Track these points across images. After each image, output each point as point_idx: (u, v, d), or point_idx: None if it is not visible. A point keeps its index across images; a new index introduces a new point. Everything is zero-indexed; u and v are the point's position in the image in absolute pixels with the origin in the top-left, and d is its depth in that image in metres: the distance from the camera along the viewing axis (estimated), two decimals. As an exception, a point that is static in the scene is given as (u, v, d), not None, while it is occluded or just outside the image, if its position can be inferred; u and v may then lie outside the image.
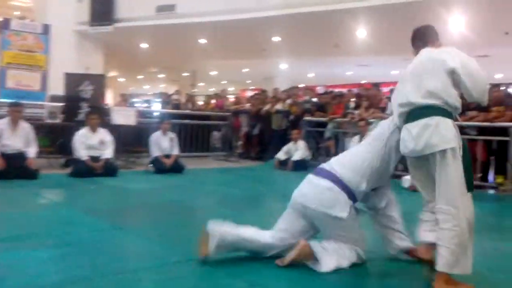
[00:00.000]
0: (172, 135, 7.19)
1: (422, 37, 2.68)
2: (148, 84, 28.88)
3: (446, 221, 2.18)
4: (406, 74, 2.53)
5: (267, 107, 9.38)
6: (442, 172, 2.22)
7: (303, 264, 2.45)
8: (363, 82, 15.39)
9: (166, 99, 12.18)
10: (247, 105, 10.23)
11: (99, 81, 7.85)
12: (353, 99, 8.39)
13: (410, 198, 4.90)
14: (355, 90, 9.39)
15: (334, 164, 2.65)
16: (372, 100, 7.59)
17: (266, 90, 10.33)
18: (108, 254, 2.68)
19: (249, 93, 17.28)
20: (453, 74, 2.30)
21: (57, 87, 8.28)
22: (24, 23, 9.33)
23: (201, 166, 7.99)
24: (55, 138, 7.21)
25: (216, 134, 10.16)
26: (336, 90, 11.07)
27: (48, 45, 8.95)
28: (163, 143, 6.96)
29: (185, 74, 20.38)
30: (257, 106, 9.63)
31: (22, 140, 5.68)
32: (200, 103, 12.96)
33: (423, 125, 2.28)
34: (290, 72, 17.27)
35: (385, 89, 13.48)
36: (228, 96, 11.59)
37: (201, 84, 23.35)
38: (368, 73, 16.90)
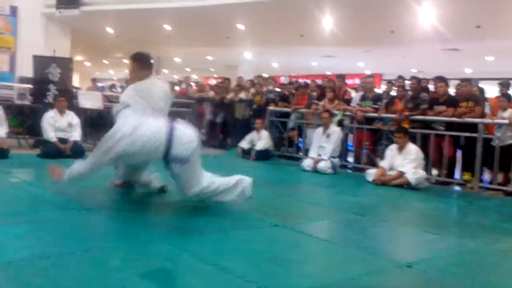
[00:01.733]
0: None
1: (151, 66, 3.58)
2: (113, 69, 28.31)
3: None
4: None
5: (230, 95, 9.16)
6: None
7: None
8: (328, 73, 15.01)
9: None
10: (211, 93, 10.06)
11: (66, 65, 7.68)
12: (316, 91, 8.13)
13: (375, 192, 5.13)
14: (319, 81, 9.12)
15: None
16: (336, 91, 7.45)
17: (229, 79, 10.17)
18: (77, 232, 2.71)
19: (213, 81, 17.36)
20: None
21: (25, 69, 8.23)
22: (-9, 5, 9.16)
23: None
24: (24, 119, 7.12)
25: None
26: (300, 80, 10.70)
27: (16, 27, 8.87)
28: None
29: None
30: (220, 95, 9.41)
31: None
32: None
33: None
34: (254, 61, 16.97)
35: (350, 81, 13.41)
36: (192, 84, 11.64)
37: (165, 71, 23.21)
38: (333, 64, 16.67)
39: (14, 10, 8.91)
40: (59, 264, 2.17)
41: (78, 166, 3.14)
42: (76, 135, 6.24)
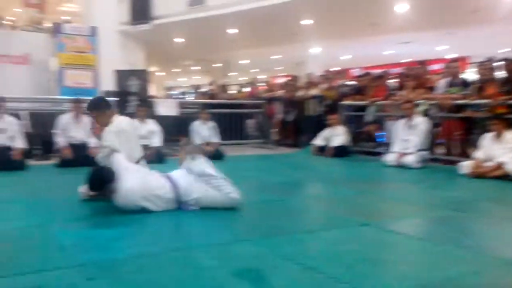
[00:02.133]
0: (212, 123, 7.44)
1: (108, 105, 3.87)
2: (183, 76, 29.53)
3: None
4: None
5: (301, 93, 9.06)
6: None
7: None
8: (404, 61, 14.39)
9: (198, 90, 12.40)
10: (280, 92, 10.07)
11: (143, 76, 8.16)
12: (395, 80, 7.74)
13: (471, 186, 4.80)
14: (396, 70, 8.76)
15: None
16: (418, 79, 6.99)
17: (297, 76, 10.05)
18: (169, 233, 2.88)
19: (280, 80, 17.33)
20: None
21: (106, 83, 8.87)
22: (74, 27, 9.92)
23: (238, 153, 7.96)
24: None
25: (250, 122, 10.13)
26: (374, 71, 10.26)
27: (96, 45, 9.58)
28: (202, 132, 7.24)
29: (217, 65, 20.80)
30: (290, 93, 9.36)
31: (84, 132, 6.11)
32: (232, 92, 13.26)
33: None
34: (322, 55, 16.62)
35: (434, 67, 12.38)
36: (260, 84, 11.75)
37: (233, 73, 23.73)
38: (409, 51, 15.88)
39: (93, 30, 9.65)
40: (155, 262, 2.28)
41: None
42: (156, 141, 6.58)
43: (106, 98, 3.87)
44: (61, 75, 9.13)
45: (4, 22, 14.92)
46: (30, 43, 8.98)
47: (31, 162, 6.04)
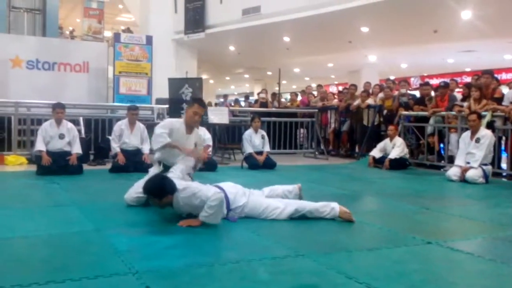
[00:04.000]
0: (263, 132, 7.45)
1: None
2: (234, 84, 30.02)
3: None
4: None
5: (357, 102, 8.93)
6: None
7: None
8: (467, 70, 13.99)
9: (249, 99, 12.47)
10: (335, 101, 9.98)
11: (196, 84, 8.32)
12: (459, 90, 7.46)
13: None
14: (458, 80, 8.44)
15: None
16: (484, 90, 6.68)
17: (356, 85, 9.91)
18: (224, 243, 2.88)
19: (333, 89, 17.03)
20: None
21: (159, 90, 9.17)
22: (131, 36, 10.41)
23: (290, 163, 7.92)
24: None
25: (302, 131, 10.10)
26: (433, 80, 10.16)
27: (151, 54, 9.97)
28: (255, 140, 7.26)
29: (269, 72, 20.92)
30: (346, 102, 9.23)
31: (138, 139, 6.32)
32: (284, 100, 13.24)
33: None
34: (378, 64, 16.40)
35: (503, 76, 11.48)
36: (313, 93, 11.66)
37: (284, 82, 23.79)
38: (473, 60, 15.22)
39: (149, 39, 10.05)
40: (211, 274, 2.28)
41: (209, 210, 3.17)
42: (208, 150, 6.61)
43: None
44: (117, 83, 9.56)
45: (65, 32, 15.90)
46: (89, 51, 9.47)
47: (86, 167, 6.30)
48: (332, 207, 3.49)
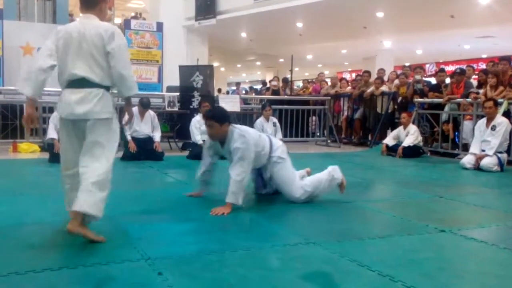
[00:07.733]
0: (274, 120, 7.44)
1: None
2: (245, 72, 29.93)
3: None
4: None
5: (371, 89, 8.82)
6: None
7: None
8: (483, 56, 13.66)
9: (261, 86, 12.40)
10: (348, 88, 9.89)
11: (207, 72, 8.31)
12: (475, 76, 7.39)
13: None
14: (474, 66, 8.31)
15: None
16: (500, 76, 6.61)
17: (369, 71, 9.78)
18: (236, 231, 2.88)
19: (346, 75, 16.82)
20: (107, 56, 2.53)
21: (170, 78, 9.16)
22: (141, 23, 10.41)
23: (302, 151, 7.89)
24: (173, 124, 7.97)
25: (314, 119, 10.05)
26: (449, 67, 10.03)
27: (162, 41, 9.96)
28: (267, 129, 7.23)
29: (281, 60, 20.80)
30: (360, 89, 9.14)
31: (149, 126, 6.35)
32: (296, 87, 13.12)
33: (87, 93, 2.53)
34: (394, 50, 16.16)
35: None
36: (325, 80, 11.55)
37: (296, 69, 23.62)
38: (491, 46, 14.99)
39: (160, 26, 10.04)
40: (223, 260, 2.30)
41: (234, 188, 3.24)
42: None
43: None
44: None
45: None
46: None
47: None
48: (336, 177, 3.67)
